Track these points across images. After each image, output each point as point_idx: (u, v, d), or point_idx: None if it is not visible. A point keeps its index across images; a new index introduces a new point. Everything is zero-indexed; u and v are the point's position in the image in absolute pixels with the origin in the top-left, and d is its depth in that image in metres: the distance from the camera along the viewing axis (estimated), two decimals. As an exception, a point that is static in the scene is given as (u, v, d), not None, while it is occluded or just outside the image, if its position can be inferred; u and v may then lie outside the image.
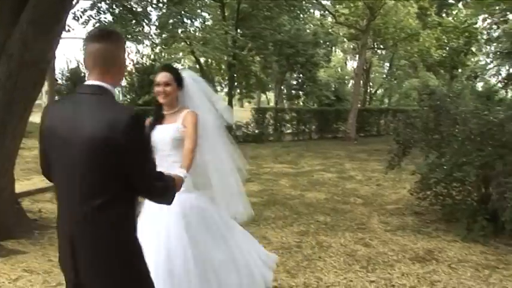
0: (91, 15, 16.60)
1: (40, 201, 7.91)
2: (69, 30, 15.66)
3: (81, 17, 16.59)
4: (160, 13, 17.89)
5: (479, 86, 34.34)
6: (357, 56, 26.60)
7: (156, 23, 18.25)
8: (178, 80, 3.46)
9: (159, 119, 3.47)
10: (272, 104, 38.09)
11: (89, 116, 2.03)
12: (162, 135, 3.37)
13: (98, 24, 16.68)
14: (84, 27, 16.87)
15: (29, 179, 9.32)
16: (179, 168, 3.02)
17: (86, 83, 2.16)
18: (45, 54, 5.66)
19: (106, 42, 2.15)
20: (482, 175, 6.12)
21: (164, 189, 2.28)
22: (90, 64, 2.15)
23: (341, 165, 13.22)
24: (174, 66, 3.65)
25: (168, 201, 2.36)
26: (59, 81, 23.73)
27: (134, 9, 16.74)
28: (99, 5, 16.46)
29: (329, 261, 5.21)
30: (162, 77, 3.43)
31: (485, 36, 29.58)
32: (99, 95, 2.09)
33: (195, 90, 3.56)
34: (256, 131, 20.50)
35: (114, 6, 16.49)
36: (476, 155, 6.04)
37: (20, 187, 7.42)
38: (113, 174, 2.04)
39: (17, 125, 5.72)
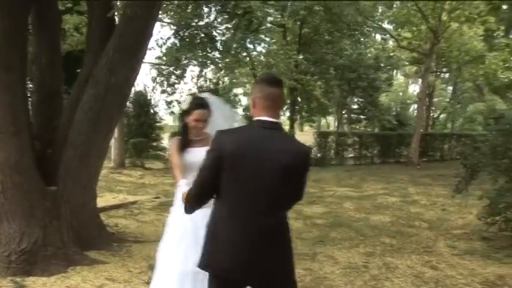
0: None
1: (114, 216, 8.39)
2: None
3: (164, 44, 17.84)
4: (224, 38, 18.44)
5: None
6: (419, 79, 26.25)
7: (220, 48, 18.78)
8: (210, 111, 3.83)
9: (188, 143, 3.81)
10: (332, 128, 38.14)
11: (282, 146, 2.61)
12: (199, 158, 3.41)
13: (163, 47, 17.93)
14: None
15: (101, 196, 9.83)
16: None
17: (267, 119, 2.65)
18: (128, 79, 6.05)
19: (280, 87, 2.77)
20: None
21: None
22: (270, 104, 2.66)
23: (404, 190, 13.10)
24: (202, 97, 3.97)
25: None
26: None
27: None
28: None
29: (396, 281, 5.26)
30: (202, 115, 3.78)
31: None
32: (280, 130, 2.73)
33: (217, 115, 3.85)
34: (319, 155, 20.46)
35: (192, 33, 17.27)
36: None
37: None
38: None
39: (102, 144, 6.14)
